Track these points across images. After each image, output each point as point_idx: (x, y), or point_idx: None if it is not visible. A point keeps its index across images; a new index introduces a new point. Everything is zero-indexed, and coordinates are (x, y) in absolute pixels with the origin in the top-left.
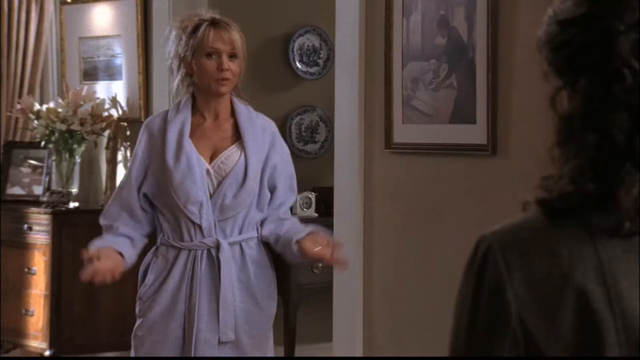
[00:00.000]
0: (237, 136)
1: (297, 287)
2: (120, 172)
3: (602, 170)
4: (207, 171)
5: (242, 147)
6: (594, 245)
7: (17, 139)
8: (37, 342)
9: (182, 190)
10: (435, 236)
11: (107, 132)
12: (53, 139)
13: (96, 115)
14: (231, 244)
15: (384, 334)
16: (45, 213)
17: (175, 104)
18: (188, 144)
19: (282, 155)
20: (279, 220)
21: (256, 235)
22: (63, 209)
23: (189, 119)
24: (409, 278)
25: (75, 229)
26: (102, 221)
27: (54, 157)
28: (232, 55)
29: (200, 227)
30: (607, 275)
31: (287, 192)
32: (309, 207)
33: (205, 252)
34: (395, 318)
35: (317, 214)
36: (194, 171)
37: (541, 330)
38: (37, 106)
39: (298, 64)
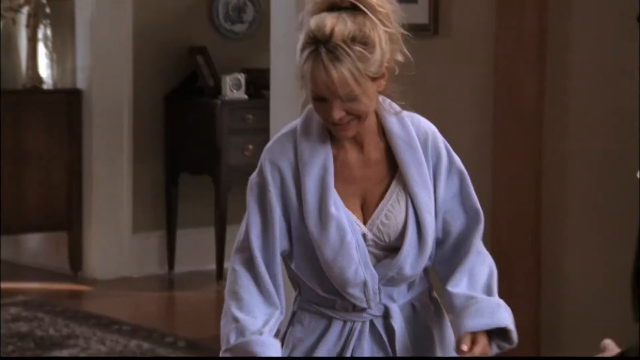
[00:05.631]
0: (392, 168)
1: (228, 169)
2: (41, 51)
3: None
4: (364, 236)
5: (404, 190)
6: None
7: None
8: None
9: (336, 271)
10: None
11: (25, 9)
12: None
13: None
14: (401, 307)
15: None
16: None
17: (305, 124)
18: (335, 203)
19: (454, 176)
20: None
21: (427, 285)
22: None
23: (330, 160)
24: None
25: None
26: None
27: None
28: (348, 99)
29: None
30: None
31: (468, 218)
32: (238, 89)
33: (368, 322)
34: None
35: (247, 96)
36: (349, 245)
37: None
38: None
39: None
